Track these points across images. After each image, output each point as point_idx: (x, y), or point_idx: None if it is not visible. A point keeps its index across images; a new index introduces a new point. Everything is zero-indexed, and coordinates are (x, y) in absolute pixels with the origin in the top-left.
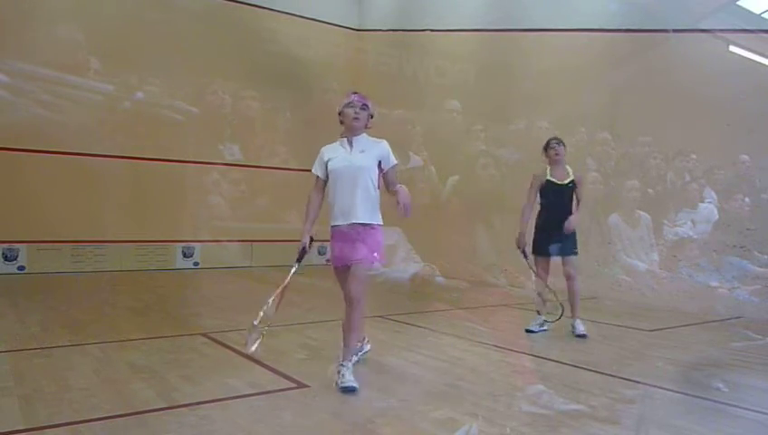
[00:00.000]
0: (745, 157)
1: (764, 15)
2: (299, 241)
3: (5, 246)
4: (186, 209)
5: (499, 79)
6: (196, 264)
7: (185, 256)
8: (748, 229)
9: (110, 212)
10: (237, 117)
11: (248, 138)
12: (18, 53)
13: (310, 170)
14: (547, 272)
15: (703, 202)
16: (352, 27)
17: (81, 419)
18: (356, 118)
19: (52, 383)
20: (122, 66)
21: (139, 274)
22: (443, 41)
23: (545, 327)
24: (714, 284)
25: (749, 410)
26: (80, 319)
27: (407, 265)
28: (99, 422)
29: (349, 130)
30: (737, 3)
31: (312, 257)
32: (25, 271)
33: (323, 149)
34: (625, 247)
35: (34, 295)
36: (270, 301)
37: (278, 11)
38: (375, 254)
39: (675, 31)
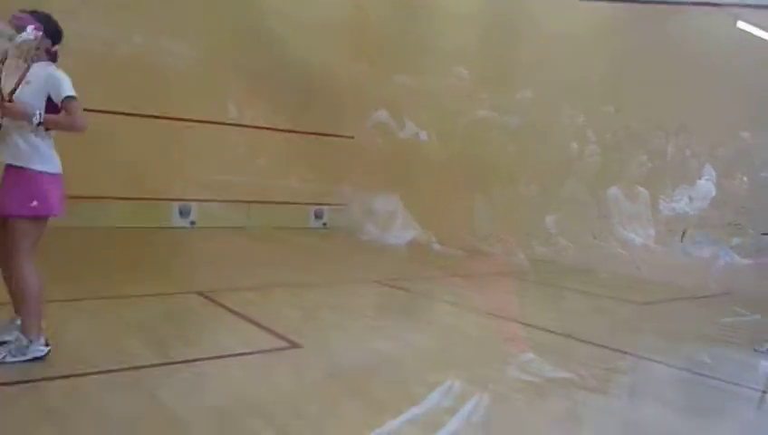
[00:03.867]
0: (746, 134)
1: None
2: (297, 203)
3: None
4: (183, 168)
5: (504, 44)
6: (192, 223)
7: (181, 214)
8: (743, 207)
9: (106, 168)
10: (237, 76)
11: (249, 98)
12: None
13: (309, 133)
14: None
15: (701, 179)
16: None
17: (75, 372)
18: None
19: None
20: (117, 13)
21: (135, 231)
22: (446, 2)
23: None
24: (706, 258)
25: (733, 383)
26: (74, 274)
27: (404, 231)
28: (93, 376)
29: None
30: None
31: (310, 220)
32: None
33: None
34: (622, 221)
35: None
36: None
37: None
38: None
39: (681, 3)
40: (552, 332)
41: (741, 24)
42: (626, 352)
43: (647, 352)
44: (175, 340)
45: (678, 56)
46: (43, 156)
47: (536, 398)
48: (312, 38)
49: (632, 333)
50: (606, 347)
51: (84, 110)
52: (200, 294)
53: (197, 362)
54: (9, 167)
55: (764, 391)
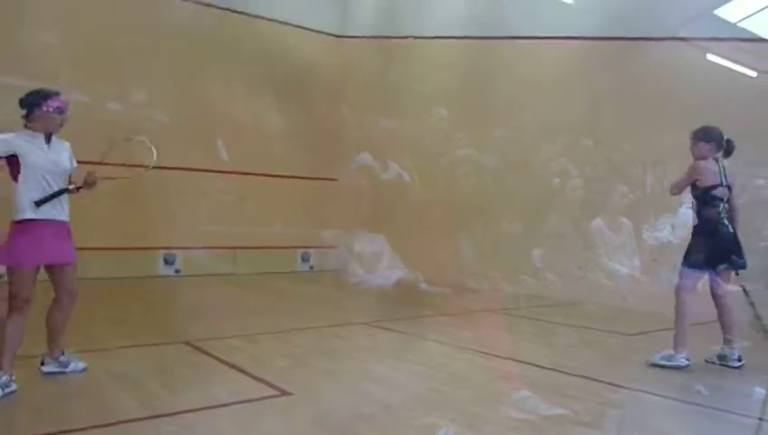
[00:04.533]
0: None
1: (741, 25)
2: (283, 247)
3: None
4: (168, 216)
5: (481, 86)
6: (177, 271)
7: (166, 263)
8: None
9: (90, 219)
10: (221, 123)
11: (232, 144)
12: None
13: (294, 177)
14: None
15: (682, 207)
16: (335, 34)
17: (61, 429)
18: (61, 126)
19: (32, 392)
20: (102, 73)
21: (120, 281)
22: (425, 48)
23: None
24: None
25: (728, 412)
26: None
27: (391, 271)
28: (79, 432)
29: (46, 131)
30: (714, 12)
31: (297, 264)
32: (4, 279)
33: (16, 135)
34: (607, 252)
35: None
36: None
37: (260, 17)
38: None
39: (652, 39)
40: (544, 367)
41: (710, 57)
42: (619, 385)
43: (640, 384)
44: (162, 392)
45: (651, 89)
46: None
47: None
48: (294, 83)
49: (624, 365)
50: (599, 380)
51: None
52: (187, 343)
53: (185, 414)
54: (58, 222)
55: (761, 419)
